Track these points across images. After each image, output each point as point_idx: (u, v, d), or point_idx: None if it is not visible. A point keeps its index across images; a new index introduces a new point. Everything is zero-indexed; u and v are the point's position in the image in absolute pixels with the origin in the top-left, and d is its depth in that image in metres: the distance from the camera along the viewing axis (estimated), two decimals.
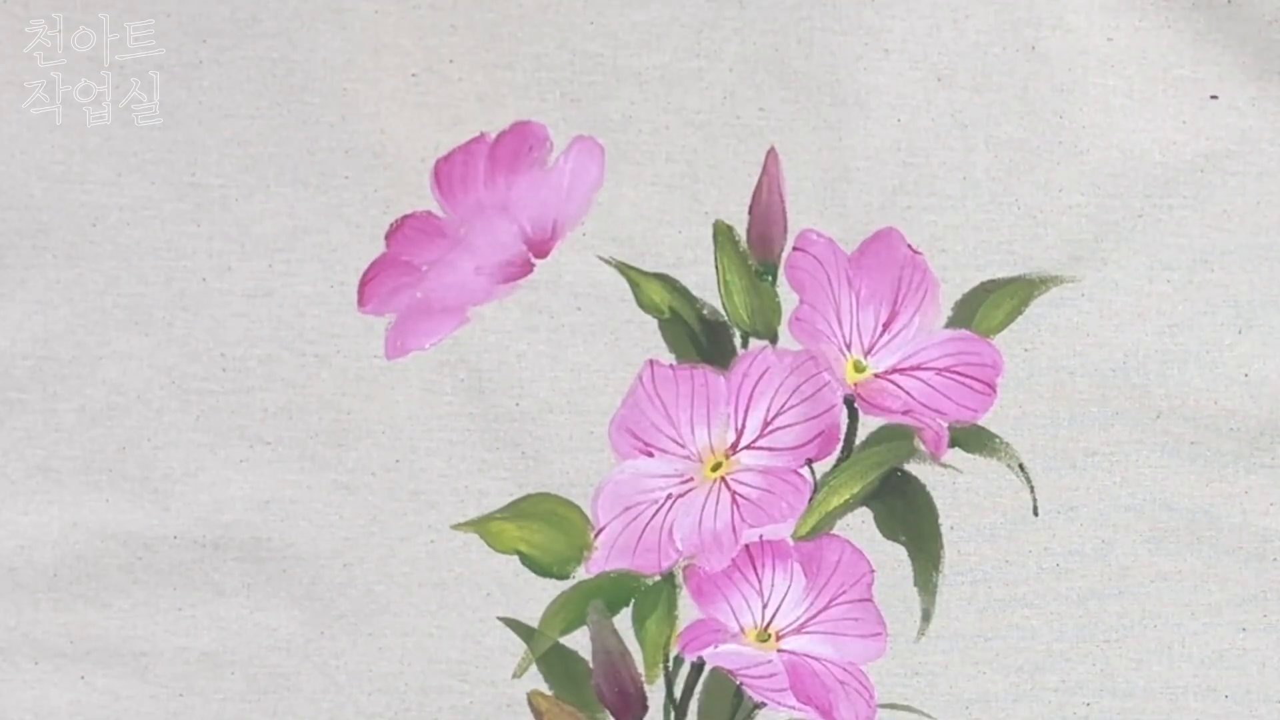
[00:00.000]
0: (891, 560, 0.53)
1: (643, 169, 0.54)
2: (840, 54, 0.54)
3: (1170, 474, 0.49)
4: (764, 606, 0.52)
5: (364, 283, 0.54)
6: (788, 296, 0.53)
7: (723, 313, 0.53)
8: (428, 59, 0.53)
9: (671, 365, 0.53)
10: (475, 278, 0.54)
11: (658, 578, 0.53)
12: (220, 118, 0.54)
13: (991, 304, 0.53)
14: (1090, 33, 0.53)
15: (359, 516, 0.53)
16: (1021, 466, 0.52)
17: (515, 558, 0.53)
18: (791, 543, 0.53)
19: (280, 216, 0.54)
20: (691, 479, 0.53)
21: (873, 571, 0.53)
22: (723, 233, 0.54)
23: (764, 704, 0.52)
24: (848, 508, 0.53)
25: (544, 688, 0.53)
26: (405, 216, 0.54)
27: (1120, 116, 0.53)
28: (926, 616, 0.52)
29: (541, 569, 0.53)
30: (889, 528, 0.53)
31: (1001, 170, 0.53)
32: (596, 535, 0.53)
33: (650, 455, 0.53)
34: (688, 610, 0.53)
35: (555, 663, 0.53)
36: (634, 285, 0.53)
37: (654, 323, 0.53)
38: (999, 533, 0.53)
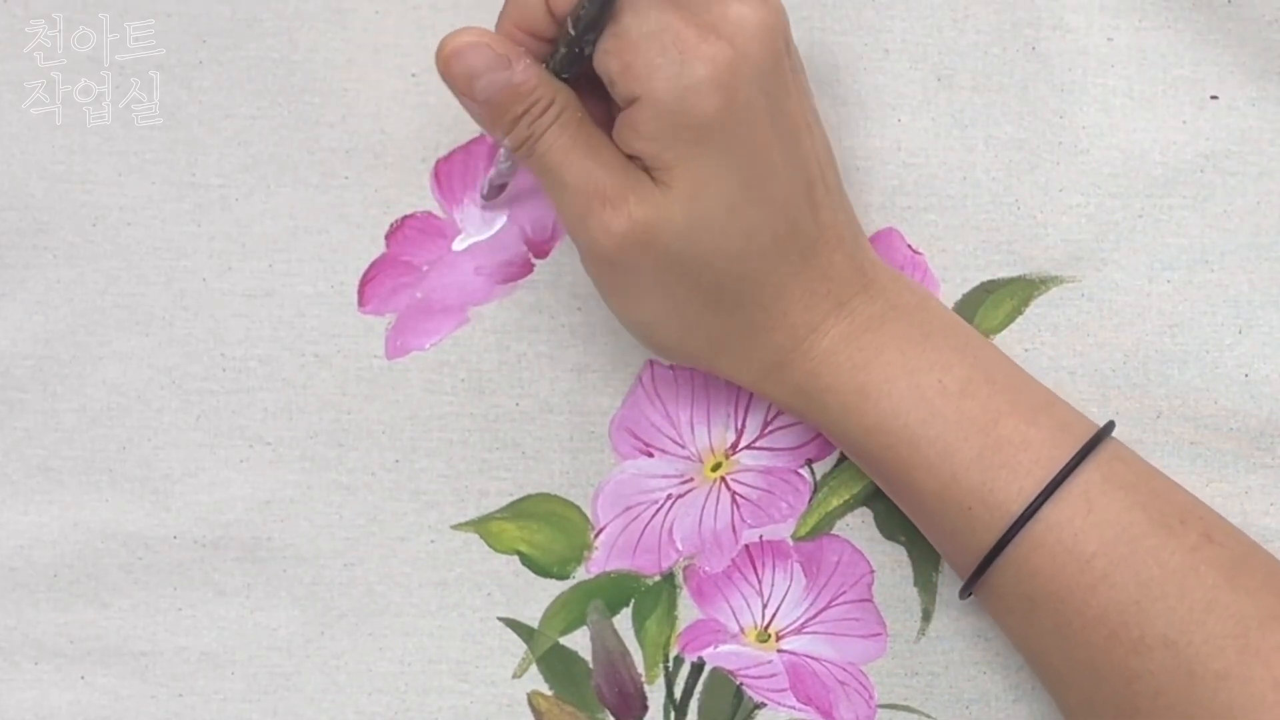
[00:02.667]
0: (891, 560, 0.53)
1: None
2: (840, 54, 0.53)
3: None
4: (764, 606, 0.53)
5: (364, 283, 0.54)
6: None
7: None
8: (428, 59, 0.53)
9: (671, 365, 0.53)
10: (475, 278, 0.54)
11: (658, 578, 0.53)
12: (220, 118, 0.54)
13: (991, 304, 0.53)
14: (1090, 33, 0.53)
15: (359, 516, 0.53)
16: None
17: (515, 558, 0.53)
18: (791, 543, 0.53)
19: (280, 216, 0.54)
20: (691, 479, 0.53)
21: (873, 571, 0.53)
22: None
23: (764, 704, 0.52)
24: (848, 508, 0.53)
25: (544, 688, 0.53)
26: (405, 216, 0.54)
27: (1120, 116, 0.53)
28: (926, 616, 0.53)
29: (541, 569, 0.53)
30: (889, 528, 0.53)
31: (1001, 170, 0.53)
32: (596, 535, 0.53)
33: (650, 455, 0.53)
34: (688, 610, 0.53)
35: (555, 663, 0.53)
36: None
37: None
38: None
